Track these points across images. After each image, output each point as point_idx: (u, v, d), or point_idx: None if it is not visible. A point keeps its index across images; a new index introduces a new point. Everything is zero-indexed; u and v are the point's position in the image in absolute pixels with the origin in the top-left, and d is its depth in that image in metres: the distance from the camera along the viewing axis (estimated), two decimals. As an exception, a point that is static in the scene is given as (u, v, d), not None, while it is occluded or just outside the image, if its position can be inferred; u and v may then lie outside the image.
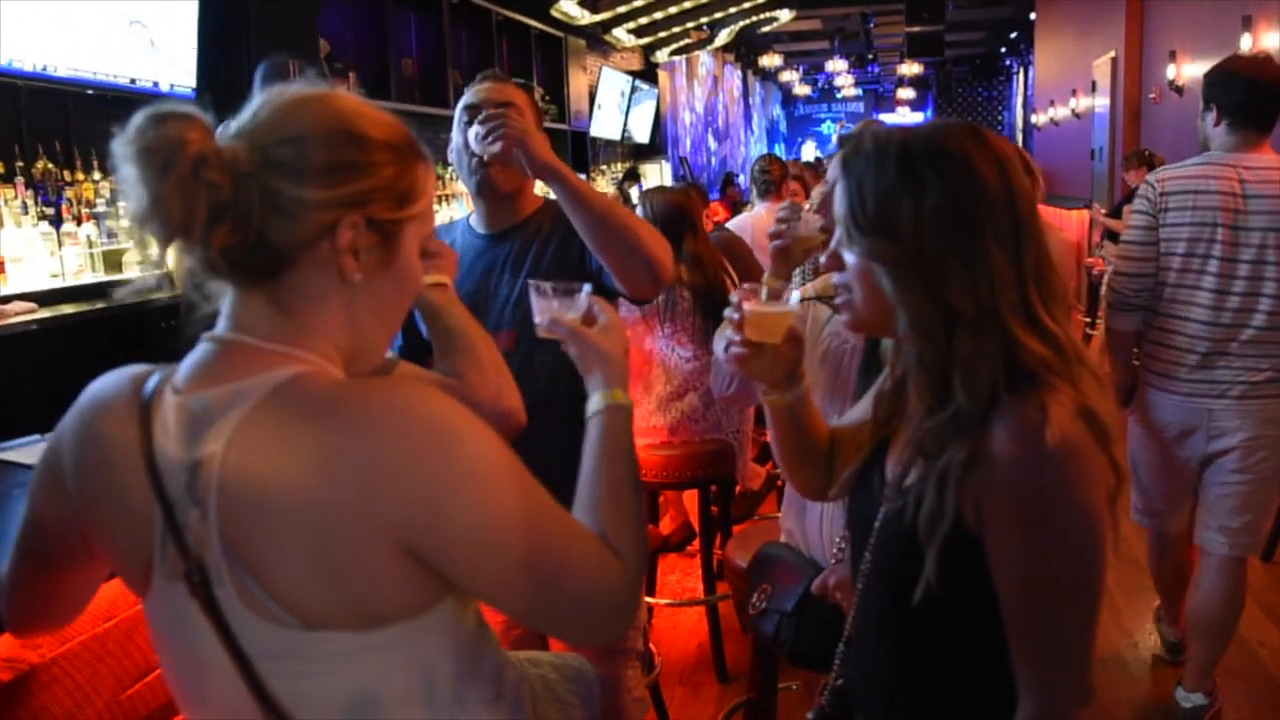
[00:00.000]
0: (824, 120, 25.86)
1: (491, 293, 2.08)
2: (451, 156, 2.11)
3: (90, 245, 3.86)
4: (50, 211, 3.75)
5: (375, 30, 6.48)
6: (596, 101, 10.69)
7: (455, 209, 6.36)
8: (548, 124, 9.36)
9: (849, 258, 1.15)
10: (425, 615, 0.98)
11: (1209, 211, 2.63)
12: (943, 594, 1.07)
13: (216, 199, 0.93)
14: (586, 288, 1.30)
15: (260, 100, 1.00)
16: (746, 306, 1.27)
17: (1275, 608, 3.47)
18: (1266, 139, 2.67)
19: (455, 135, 2.07)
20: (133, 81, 4.04)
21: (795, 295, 1.31)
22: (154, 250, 0.96)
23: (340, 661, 0.95)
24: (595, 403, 1.20)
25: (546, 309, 1.29)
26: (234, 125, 0.99)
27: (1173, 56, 7.86)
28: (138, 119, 0.93)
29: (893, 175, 1.10)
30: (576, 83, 10.08)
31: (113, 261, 3.95)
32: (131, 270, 4.01)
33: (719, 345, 2.14)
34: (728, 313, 1.30)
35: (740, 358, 1.29)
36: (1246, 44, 6.13)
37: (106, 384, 1.05)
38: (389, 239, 1.02)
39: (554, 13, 9.34)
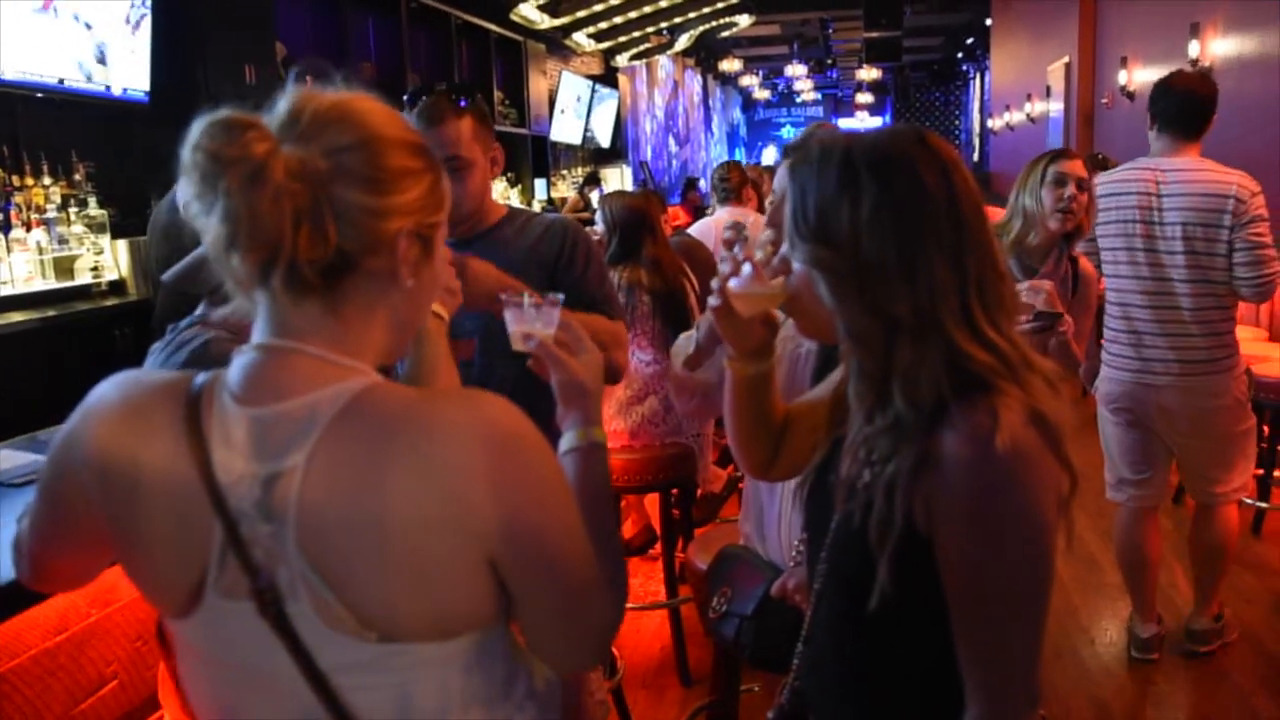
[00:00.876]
0: (784, 125, 26.04)
1: None
2: None
3: (40, 251, 3.79)
4: (-1, 217, 3.68)
5: (332, 33, 6.44)
6: (557, 106, 10.68)
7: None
8: (508, 128, 9.38)
9: (794, 264, 1.15)
10: (495, 625, 0.99)
11: (1128, 210, 3.00)
12: (896, 597, 1.07)
13: (297, 209, 0.90)
14: (559, 297, 1.28)
15: (295, 103, 0.95)
16: (746, 268, 1.22)
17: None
18: (1193, 145, 3.01)
19: None
20: (69, 83, 3.97)
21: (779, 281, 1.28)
22: (240, 270, 0.91)
23: (414, 672, 0.95)
24: (573, 439, 1.18)
25: (521, 323, 1.27)
26: (273, 128, 0.94)
27: (1124, 62, 8.01)
28: (203, 128, 0.90)
29: (833, 181, 1.10)
30: (536, 87, 10.07)
31: (64, 268, 3.89)
32: (84, 277, 3.96)
33: (676, 361, 2.14)
34: (722, 266, 1.26)
35: (716, 310, 1.27)
36: (1194, 50, 6.25)
37: (126, 394, 1.00)
38: (428, 245, 1.01)
39: (513, 17, 9.32)
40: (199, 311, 1.63)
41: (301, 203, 0.90)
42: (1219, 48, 6.10)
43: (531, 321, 1.26)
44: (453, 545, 0.91)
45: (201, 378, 0.99)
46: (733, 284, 1.23)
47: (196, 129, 0.90)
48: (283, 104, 0.95)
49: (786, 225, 1.14)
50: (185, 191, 0.91)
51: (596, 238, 3.65)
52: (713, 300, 1.26)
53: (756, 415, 1.38)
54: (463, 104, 1.98)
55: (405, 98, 2.02)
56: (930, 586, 1.08)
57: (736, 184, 5.21)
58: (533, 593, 0.98)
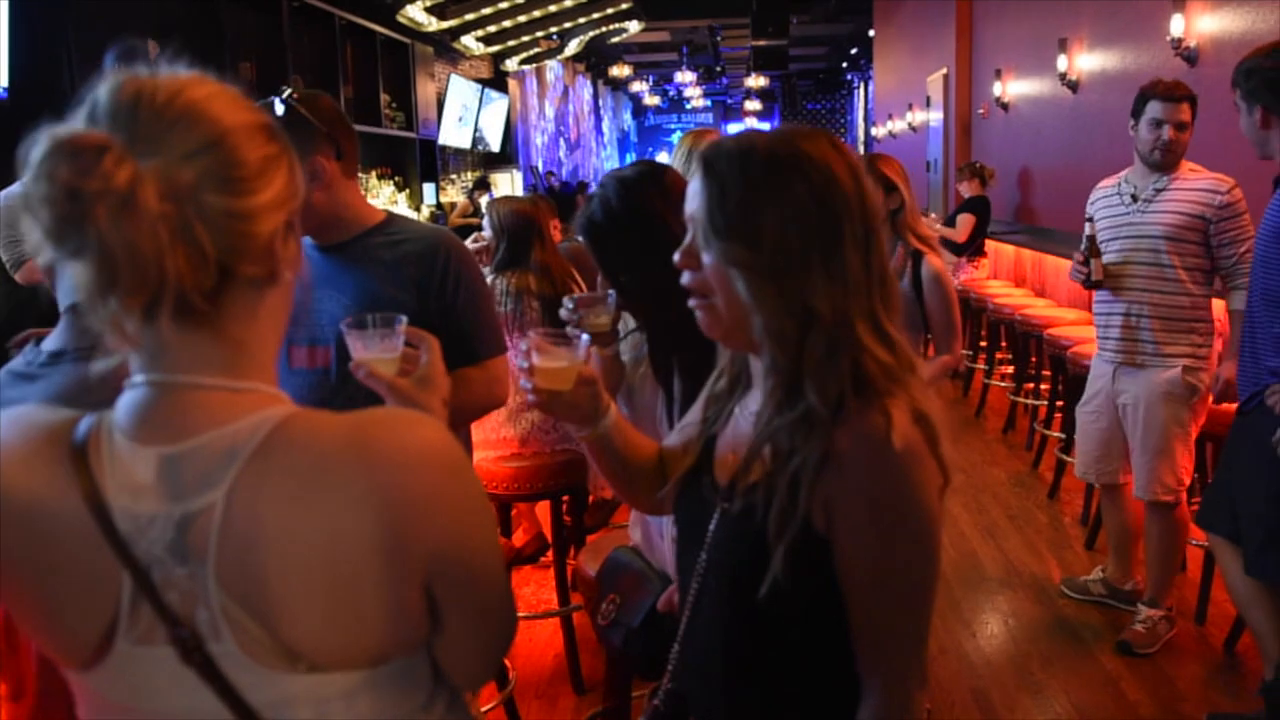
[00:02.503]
0: (674, 130, 26.28)
1: (313, 306, 1.98)
2: None
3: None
4: None
5: (210, 31, 6.22)
6: (445, 109, 10.55)
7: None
8: (394, 131, 9.22)
9: (706, 258, 1.14)
10: (422, 647, 0.97)
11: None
12: (786, 592, 1.09)
13: (172, 234, 0.81)
14: (402, 319, 1.24)
15: (125, 100, 0.84)
16: (535, 357, 1.27)
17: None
18: None
19: None
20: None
21: (582, 343, 1.30)
22: (121, 314, 0.81)
23: (347, 702, 0.91)
24: None
25: (359, 351, 1.23)
26: (109, 132, 0.83)
27: (998, 75, 8.31)
28: (47, 153, 0.78)
29: (755, 178, 1.10)
30: (424, 90, 9.93)
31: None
32: (-65, 283, 3.72)
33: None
34: (519, 362, 1.29)
35: (538, 404, 1.29)
36: (1063, 64, 6.54)
37: (9, 437, 0.91)
38: (294, 229, 0.94)
39: (400, 19, 9.18)
40: (62, 332, 1.45)
41: (175, 225, 0.81)
42: (1084, 62, 6.39)
43: (372, 347, 1.22)
44: (393, 573, 0.88)
45: (86, 422, 0.90)
46: (535, 360, 1.28)
47: (38, 154, 0.78)
48: (105, 101, 0.85)
49: (700, 223, 1.13)
50: (35, 231, 0.80)
51: (484, 243, 3.61)
52: (530, 399, 1.30)
53: (624, 466, 1.39)
54: (274, 102, 1.85)
55: None
56: (820, 582, 1.11)
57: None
58: (459, 612, 0.96)
